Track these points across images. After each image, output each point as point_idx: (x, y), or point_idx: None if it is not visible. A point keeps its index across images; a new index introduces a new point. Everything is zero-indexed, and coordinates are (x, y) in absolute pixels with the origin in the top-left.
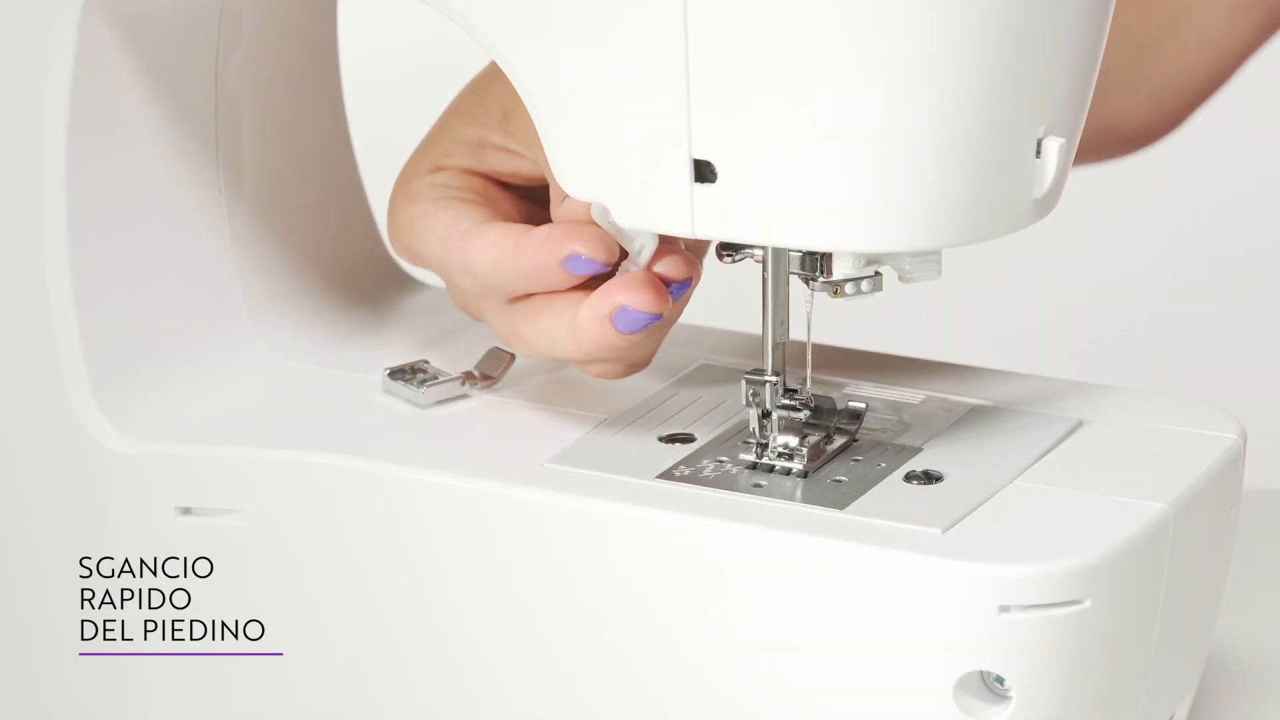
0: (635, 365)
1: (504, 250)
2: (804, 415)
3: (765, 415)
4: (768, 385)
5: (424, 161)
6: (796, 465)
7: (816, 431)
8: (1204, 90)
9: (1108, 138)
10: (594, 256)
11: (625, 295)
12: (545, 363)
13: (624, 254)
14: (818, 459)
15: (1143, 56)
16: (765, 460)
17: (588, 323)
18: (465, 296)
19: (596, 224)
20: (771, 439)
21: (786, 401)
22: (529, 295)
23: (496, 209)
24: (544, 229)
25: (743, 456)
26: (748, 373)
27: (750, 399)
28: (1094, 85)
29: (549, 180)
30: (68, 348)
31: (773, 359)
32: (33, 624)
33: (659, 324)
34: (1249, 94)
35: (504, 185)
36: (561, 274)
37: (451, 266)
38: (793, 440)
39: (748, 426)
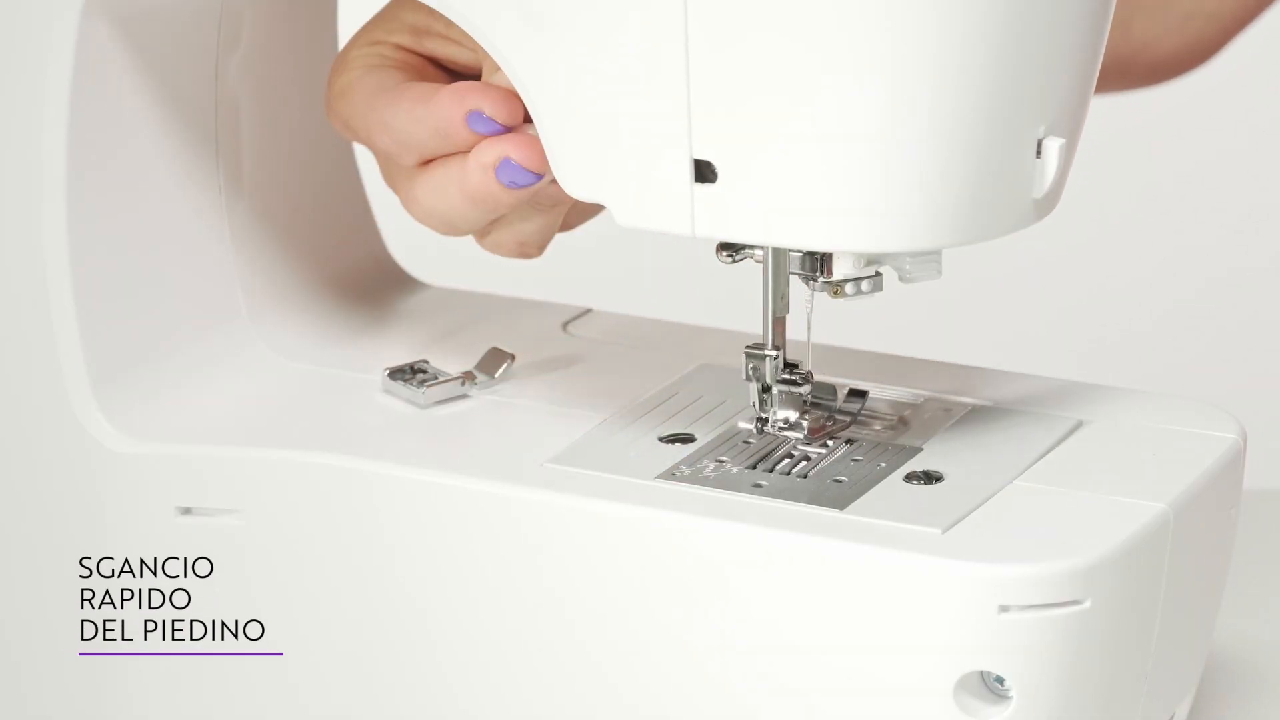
0: (526, 245)
1: (416, 104)
2: (805, 389)
3: (765, 390)
4: (768, 359)
5: (364, 36)
6: (796, 435)
7: (819, 412)
8: (1238, 19)
9: (1135, 64)
10: (495, 115)
11: (511, 147)
12: (545, 363)
13: (527, 120)
14: (819, 433)
15: None
16: (766, 432)
17: (473, 170)
18: (387, 163)
19: (507, 87)
20: (772, 413)
21: (787, 376)
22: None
23: (426, 79)
24: (454, 85)
25: (742, 425)
26: (748, 347)
27: (750, 373)
28: (1094, 85)
29: (483, 65)
30: (68, 348)
31: (773, 333)
32: (33, 624)
33: (547, 201)
34: (1249, 94)
35: (439, 66)
36: (466, 130)
37: (374, 127)
38: (793, 415)
39: (748, 426)
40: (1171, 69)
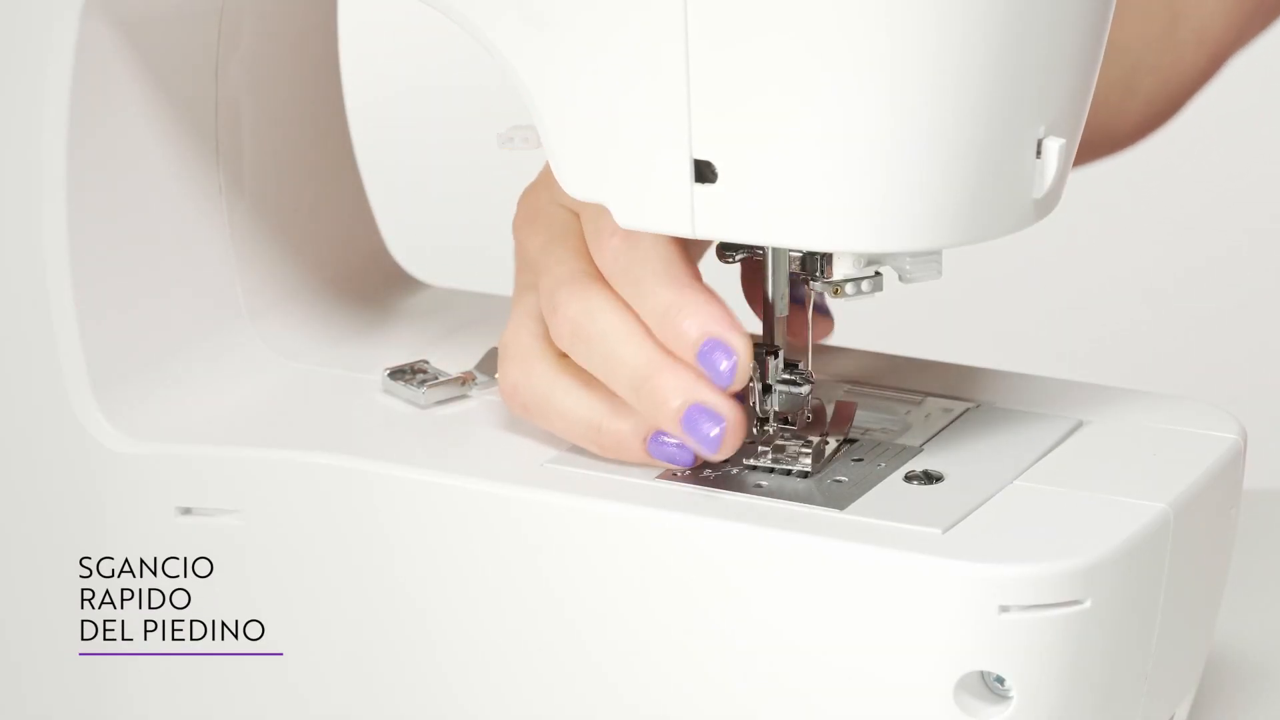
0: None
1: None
2: (805, 390)
3: (766, 390)
4: (768, 359)
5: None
6: (798, 449)
7: (813, 433)
8: (1194, 87)
9: (1097, 144)
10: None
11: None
12: None
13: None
14: (820, 460)
15: (1139, 70)
16: (767, 430)
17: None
18: (533, 274)
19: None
20: (771, 413)
21: (787, 376)
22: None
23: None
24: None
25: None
26: None
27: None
28: (1094, 85)
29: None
30: (68, 348)
31: (773, 333)
32: (33, 624)
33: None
34: (1252, 96)
35: None
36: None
37: (562, 279)
38: (793, 415)
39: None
40: (1133, 139)
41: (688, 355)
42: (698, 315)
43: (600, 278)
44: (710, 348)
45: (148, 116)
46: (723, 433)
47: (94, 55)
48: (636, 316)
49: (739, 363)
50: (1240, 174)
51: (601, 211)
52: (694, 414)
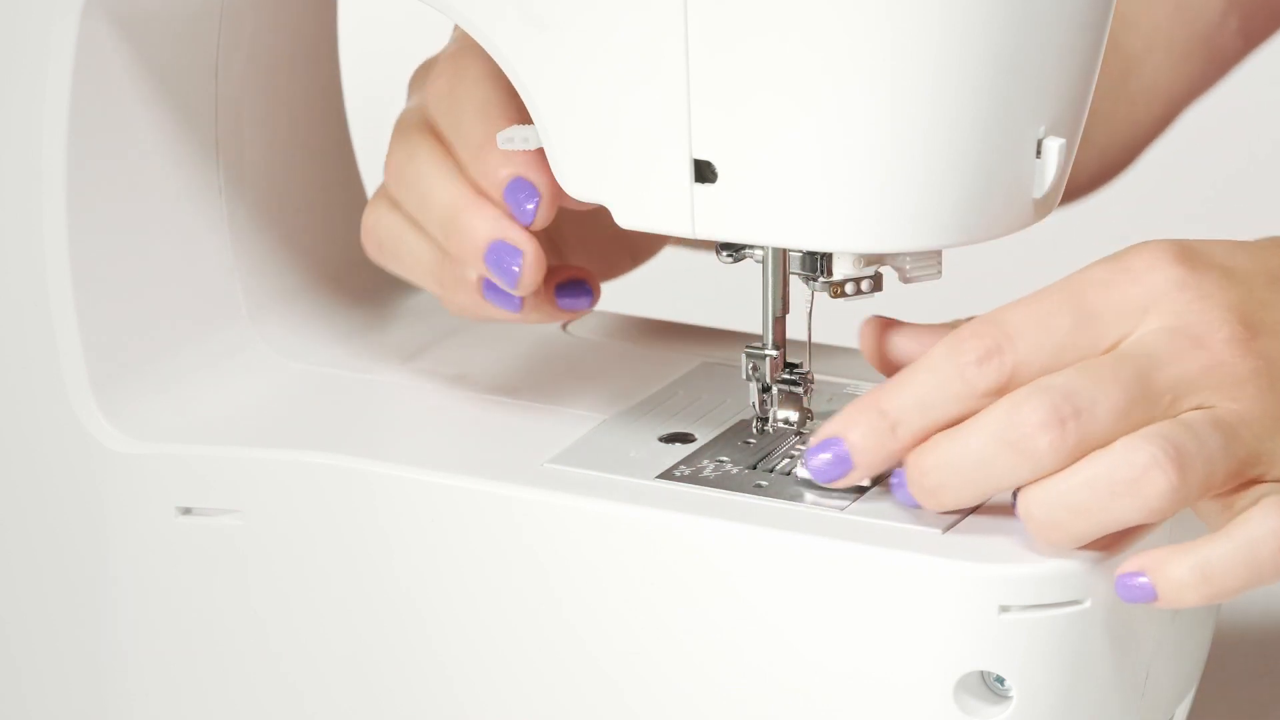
0: (460, 308)
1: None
2: (805, 390)
3: (765, 390)
4: (768, 359)
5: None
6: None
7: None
8: (1147, 138)
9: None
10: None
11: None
12: (546, 363)
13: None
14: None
15: (1092, 123)
16: (766, 432)
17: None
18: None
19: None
20: (771, 413)
21: (787, 375)
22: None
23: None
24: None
25: (742, 425)
26: (748, 347)
27: (750, 373)
28: (1094, 85)
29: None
30: (68, 348)
31: (773, 333)
32: (33, 624)
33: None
34: (1252, 95)
35: None
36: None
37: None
38: (793, 415)
39: (748, 426)
40: (1086, 191)
41: (495, 192)
42: (509, 155)
43: (428, 125)
44: (516, 187)
45: (148, 116)
46: (523, 267)
47: (94, 55)
48: (455, 159)
49: (542, 202)
50: (1242, 172)
51: (441, 58)
52: (497, 249)
